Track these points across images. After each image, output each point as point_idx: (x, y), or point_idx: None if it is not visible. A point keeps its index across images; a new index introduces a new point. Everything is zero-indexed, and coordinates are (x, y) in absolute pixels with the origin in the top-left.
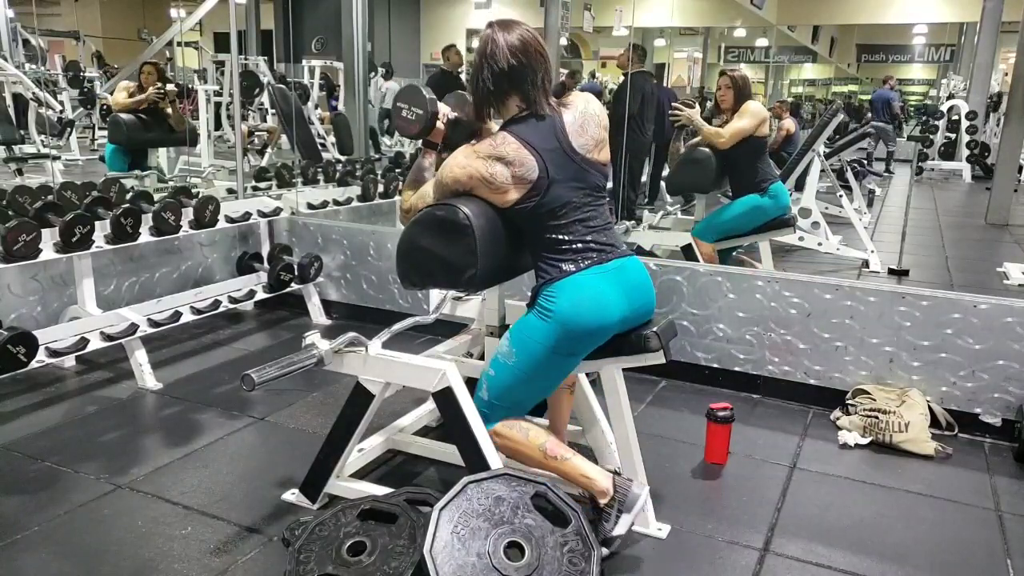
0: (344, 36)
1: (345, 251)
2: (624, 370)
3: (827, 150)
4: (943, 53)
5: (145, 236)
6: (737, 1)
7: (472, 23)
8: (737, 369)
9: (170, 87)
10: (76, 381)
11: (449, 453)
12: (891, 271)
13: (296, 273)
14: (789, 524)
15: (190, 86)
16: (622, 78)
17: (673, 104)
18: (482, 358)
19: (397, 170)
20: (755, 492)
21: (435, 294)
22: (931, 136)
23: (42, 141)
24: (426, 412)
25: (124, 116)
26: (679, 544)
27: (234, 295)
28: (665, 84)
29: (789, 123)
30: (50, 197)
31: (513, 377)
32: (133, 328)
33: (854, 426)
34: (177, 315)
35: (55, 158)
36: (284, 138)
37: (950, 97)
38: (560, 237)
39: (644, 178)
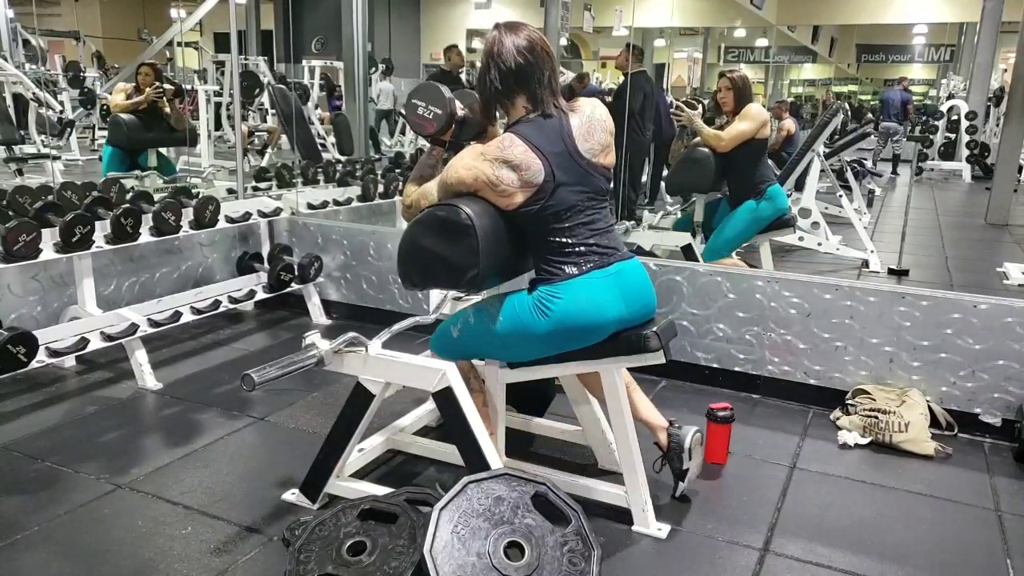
0: (344, 36)
1: (345, 251)
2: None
3: (827, 150)
4: (943, 53)
5: (145, 236)
6: (737, 1)
7: (472, 23)
8: (737, 369)
9: (168, 86)
10: (76, 381)
11: (449, 453)
12: (891, 271)
13: (296, 273)
14: (789, 524)
15: (190, 86)
16: (621, 78)
17: (675, 104)
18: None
19: (397, 170)
20: (755, 492)
21: (435, 294)
22: (931, 136)
23: (42, 141)
24: (426, 412)
25: (124, 116)
26: (679, 544)
27: (234, 295)
28: (665, 84)
29: (789, 123)
30: (50, 197)
31: (490, 338)
32: (133, 328)
33: (854, 426)
34: (177, 315)
35: (55, 158)
36: (284, 138)
37: (950, 97)
38: (564, 240)
39: (644, 178)
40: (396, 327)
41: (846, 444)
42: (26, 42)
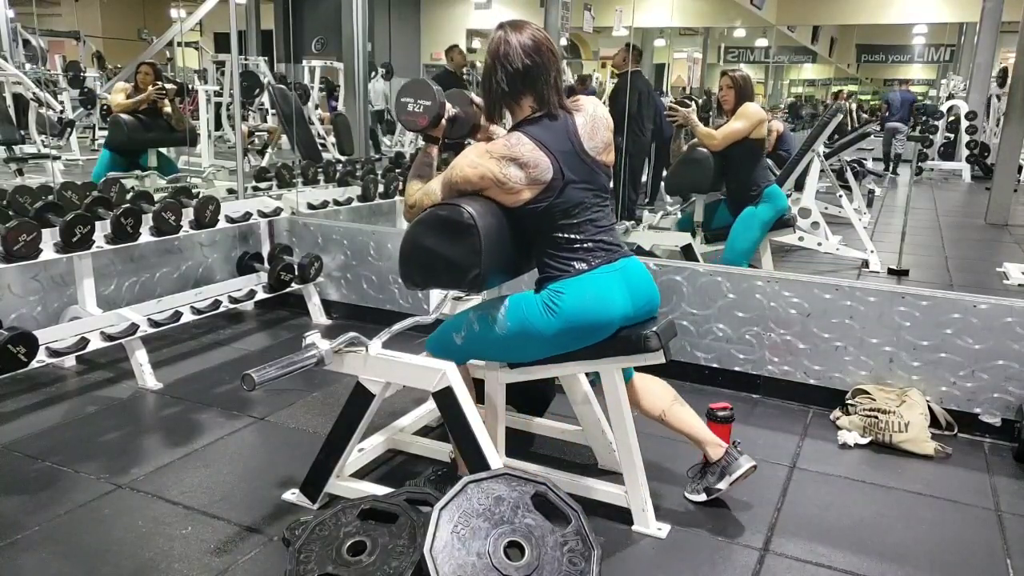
0: (344, 36)
1: (345, 251)
2: None
3: (827, 150)
4: (943, 53)
5: (145, 236)
6: (737, 1)
7: (472, 23)
8: (737, 369)
9: (169, 86)
10: (76, 381)
11: (449, 453)
12: (891, 271)
13: (296, 273)
14: (789, 524)
15: (190, 86)
16: (617, 79)
17: (669, 104)
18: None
19: (397, 170)
20: (755, 492)
21: (435, 294)
22: (931, 136)
23: (42, 141)
24: (426, 412)
25: (124, 116)
26: (679, 544)
27: (234, 295)
28: (665, 85)
29: (777, 124)
30: (50, 197)
31: (496, 342)
32: (133, 328)
33: (854, 426)
34: (177, 315)
35: (55, 158)
36: (284, 138)
37: (950, 97)
38: (572, 236)
39: (644, 178)
40: (396, 327)
41: (846, 444)
42: (26, 42)
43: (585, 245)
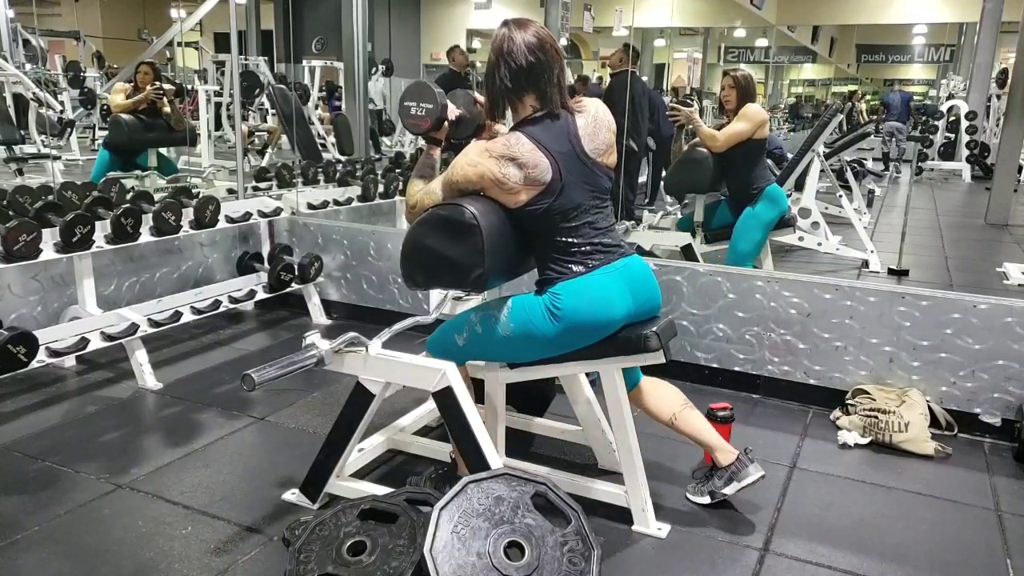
0: (344, 36)
1: (345, 251)
2: None
3: (827, 150)
4: (943, 53)
5: (145, 236)
6: (737, 1)
7: (472, 23)
8: (737, 369)
9: (168, 86)
10: (76, 381)
11: (449, 453)
12: (891, 271)
13: (296, 273)
14: (789, 524)
15: (190, 86)
16: (612, 79)
17: (671, 104)
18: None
19: (397, 170)
20: (755, 492)
21: (435, 294)
22: (931, 136)
23: (42, 141)
24: (426, 412)
25: (124, 116)
26: (679, 544)
27: (234, 295)
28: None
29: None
30: (50, 197)
31: (498, 344)
32: (133, 328)
33: (854, 426)
34: (177, 315)
35: (55, 158)
36: (284, 138)
37: (950, 97)
38: (570, 240)
39: (642, 178)
40: (396, 327)
41: (846, 444)
42: (26, 42)
43: (583, 249)
